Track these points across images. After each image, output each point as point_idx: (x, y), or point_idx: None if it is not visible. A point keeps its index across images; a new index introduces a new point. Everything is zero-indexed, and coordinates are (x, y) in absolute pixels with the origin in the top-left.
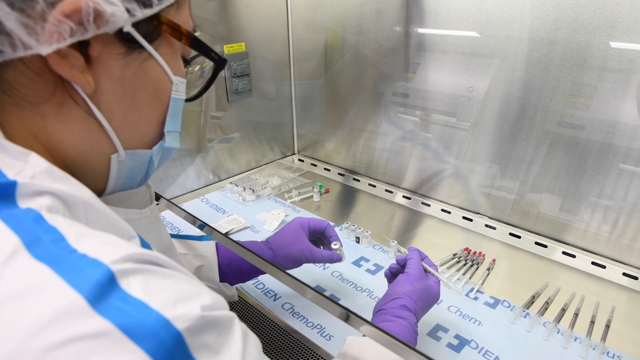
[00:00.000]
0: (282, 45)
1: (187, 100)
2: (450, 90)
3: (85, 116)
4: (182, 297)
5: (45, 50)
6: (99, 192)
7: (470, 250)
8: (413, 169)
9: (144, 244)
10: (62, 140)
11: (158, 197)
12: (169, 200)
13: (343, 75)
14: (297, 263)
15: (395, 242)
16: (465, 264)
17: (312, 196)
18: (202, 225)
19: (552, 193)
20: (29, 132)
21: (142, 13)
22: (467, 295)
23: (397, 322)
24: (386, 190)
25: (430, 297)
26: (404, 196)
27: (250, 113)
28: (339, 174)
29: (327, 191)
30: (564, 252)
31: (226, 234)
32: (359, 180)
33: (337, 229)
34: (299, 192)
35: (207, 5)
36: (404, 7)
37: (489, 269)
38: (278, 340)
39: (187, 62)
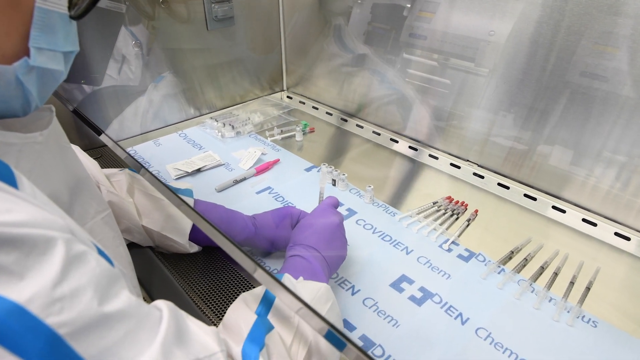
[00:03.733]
0: None
1: (75, 18)
2: (470, 34)
3: None
4: None
5: None
6: None
7: (453, 199)
8: (408, 113)
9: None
10: None
11: (100, 132)
12: (114, 141)
13: (341, 6)
14: (274, 247)
15: (372, 187)
16: (444, 214)
17: (294, 135)
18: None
19: (557, 144)
20: None
21: None
22: (440, 246)
23: (287, 262)
24: (374, 132)
25: (312, 220)
26: (391, 139)
27: (233, 43)
28: (327, 113)
29: (311, 130)
30: (553, 207)
31: (167, 184)
32: (346, 121)
33: (314, 170)
34: (282, 131)
35: None
36: None
37: (469, 220)
38: (230, 280)
39: None
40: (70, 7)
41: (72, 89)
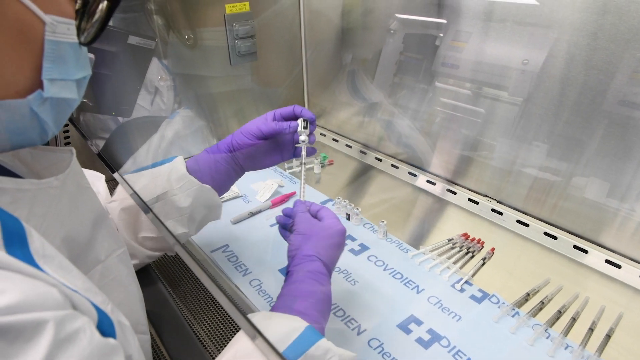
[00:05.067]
0: (292, 5)
1: (84, 44)
2: (503, 62)
3: None
4: None
5: None
6: None
7: (469, 237)
8: (429, 146)
9: (9, 221)
10: None
11: (114, 170)
12: (125, 180)
13: (361, 40)
14: (252, 135)
15: (385, 223)
16: (459, 251)
17: (313, 167)
18: (147, 210)
19: (592, 176)
20: None
21: None
22: (452, 286)
23: (300, 283)
24: (392, 165)
25: (328, 233)
26: (409, 172)
27: (255, 77)
28: (346, 145)
29: (330, 163)
30: (575, 247)
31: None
32: (365, 153)
33: (330, 204)
34: (300, 162)
35: None
36: None
37: (484, 259)
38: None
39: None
40: (79, 34)
41: (105, 119)
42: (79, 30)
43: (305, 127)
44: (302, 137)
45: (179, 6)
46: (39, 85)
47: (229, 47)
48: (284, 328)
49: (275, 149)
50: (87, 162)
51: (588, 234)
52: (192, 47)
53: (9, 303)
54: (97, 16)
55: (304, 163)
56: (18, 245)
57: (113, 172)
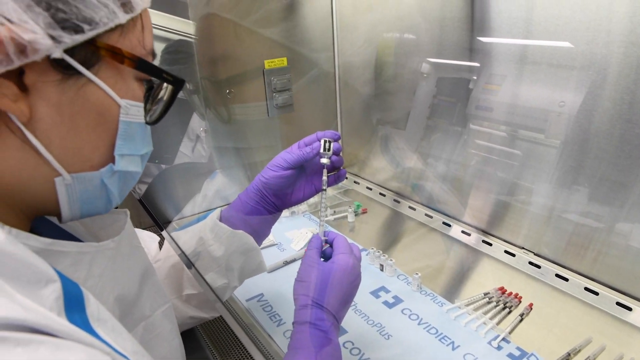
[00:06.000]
0: (327, 57)
1: (150, 124)
2: (539, 105)
3: (21, 144)
4: None
5: None
6: (57, 216)
7: (506, 291)
8: (463, 196)
9: (70, 287)
10: None
11: (162, 228)
12: (173, 239)
13: (393, 90)
14: (278, 167)
15: (419, 275)
16: (496, 306)
17: (347, 216)
18: (189, 266)
19: (632, 222)
20: None
21: (71, 40)
22: (489, 343)
23: (298, 334)
24: (426, 215)
25: (325, 275)
26: (444, 222)
27: (291, 127)
28: (380, 193)
29: (364, 211)
30: (618, 303)
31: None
32: (399, 202)
33: (363, 254)
34: (335, 211)
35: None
36: (468, 16)
37: (522, 315)
38: None
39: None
40: (145, 114)
41: (148, 165)
42: (145, 111)
43: (328, 149)
44: (324, 160)
45: (214, 87)
46: (111, 159)
47: (266, 98)
48: None
49: (307, 179)
50: (132, 209)
51: (632, 290)
52: (232, 100)
53: None
54: (160, 96)
55: (325, 190)
56: (76, 310)
57: (161, 229)
